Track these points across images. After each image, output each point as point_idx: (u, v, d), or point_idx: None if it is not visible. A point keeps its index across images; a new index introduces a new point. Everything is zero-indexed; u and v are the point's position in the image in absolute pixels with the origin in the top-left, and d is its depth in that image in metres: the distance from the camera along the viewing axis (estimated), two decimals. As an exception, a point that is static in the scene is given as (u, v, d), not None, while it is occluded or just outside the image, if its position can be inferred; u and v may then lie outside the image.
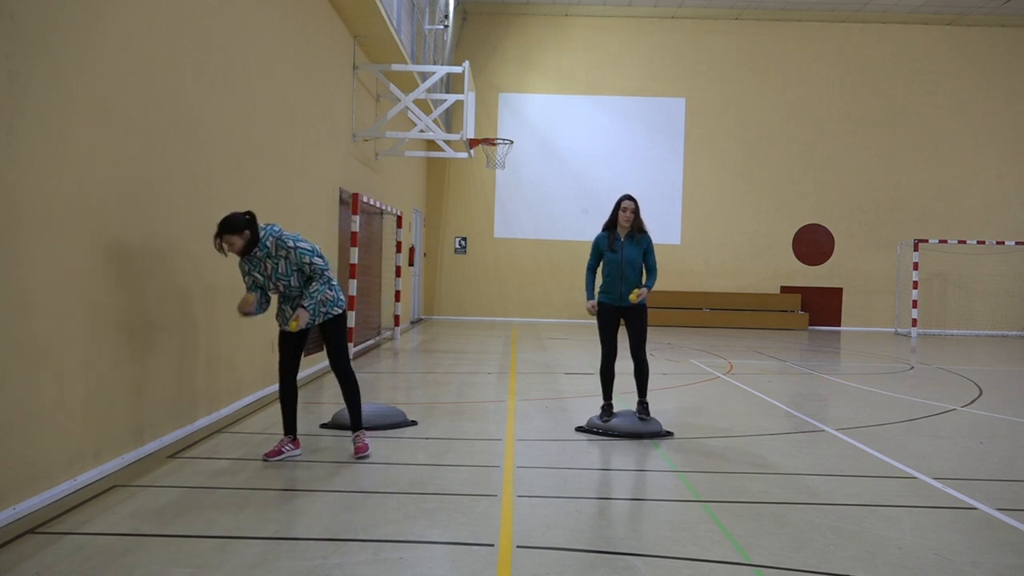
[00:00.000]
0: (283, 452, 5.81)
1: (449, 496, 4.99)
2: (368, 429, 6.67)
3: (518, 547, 4.10)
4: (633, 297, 6.88)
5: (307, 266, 5.64)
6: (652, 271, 7.05)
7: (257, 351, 8.21)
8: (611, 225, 7.08)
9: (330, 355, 5.95)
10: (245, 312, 5.72)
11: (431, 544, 4.17)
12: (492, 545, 4.12)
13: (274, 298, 5.99)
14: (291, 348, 5.88)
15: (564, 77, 22.24)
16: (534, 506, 4.82)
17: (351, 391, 5.99)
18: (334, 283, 5.83)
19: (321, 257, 5.73)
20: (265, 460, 5.73)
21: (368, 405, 6.99)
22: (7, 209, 4.18)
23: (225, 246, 5.53)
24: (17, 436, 4.32)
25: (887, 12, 21.26)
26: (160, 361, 5.97)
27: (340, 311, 5.87)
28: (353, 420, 6.02)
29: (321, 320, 5.78)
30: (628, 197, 7.03)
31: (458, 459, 6.02)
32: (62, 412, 4.73)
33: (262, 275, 5.69)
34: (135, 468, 5.41)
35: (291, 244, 5.62)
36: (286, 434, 5.91)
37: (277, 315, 5.91)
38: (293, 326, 5.59)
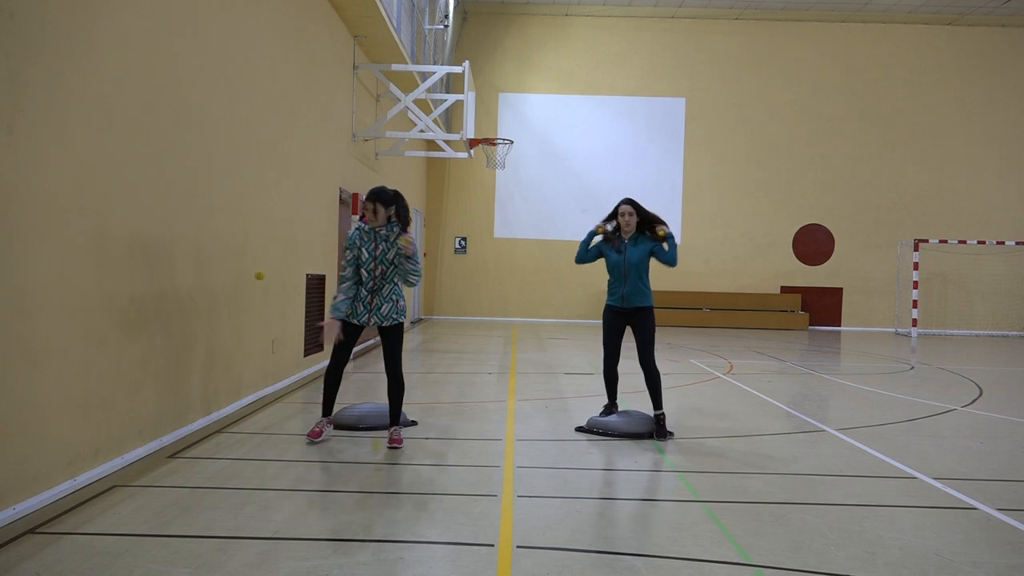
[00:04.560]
0: (323, 432, 6.30)
1: (449, 496, 4.99)
2: (368, 429, 6.74)
3: (518, 547, 4.10)
4: (661, 233, 6.78)
5: (408, 261, 6.13)
6: (669, 252, 6.85)
7: (257, 351, 8.21)
8: (615, 227, 6.95)
9: (387, 356, 6.36)
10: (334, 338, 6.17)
11: (431, 544, 4.17)
12: (492, 545, 4.12)
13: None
14: (346, 339, 6.30)
15: (564, 77, 22.24)
16: (534, 506, 4.82)
17: (399, 391, 6.38)
18: (403, 293, 6.41)
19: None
20: (310, 441, 6.22)
21: (368, 405, 7.03)
22: (7, 209, 4.18)
23: (369, 214, 6.05)
24: (17, 436, 4.32)
25: (887, 12, 21.26)
26: (160, 361, 5.97)
27: (403, 320, 6.37)
28: (393, 416, 6.43)
29: (389, 324, 6.24)
30: (625, 202, 6.90)
31: (458, 459, 6.02)
32: (62, 412, 4.73)
33: (369, 253, 6.12)
34: (135, 468, 5.41)
35: (411, 238, 6.14)
36: (324, 415, 6.43)
37: (352, 306, 6.29)
38: (404, 241, 6.06)
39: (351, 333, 6.33)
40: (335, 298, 6.21)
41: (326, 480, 5.42)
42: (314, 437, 6.24)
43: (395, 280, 6.22)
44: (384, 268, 6.14)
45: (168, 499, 4.81)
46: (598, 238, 7.11)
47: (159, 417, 6.00)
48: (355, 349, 12.22)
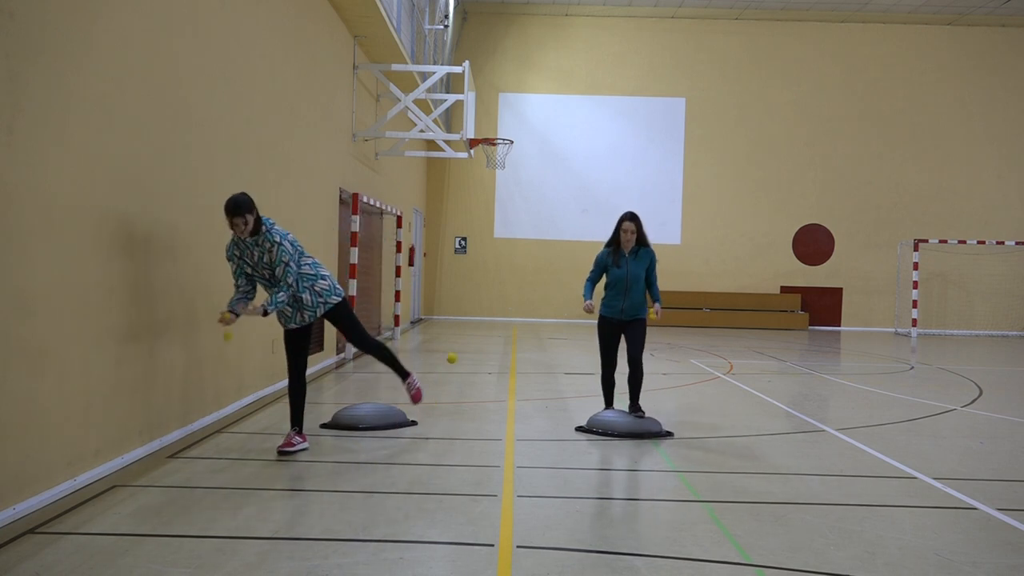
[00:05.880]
0: (294, 445, 5.97)
1: (449, 496, 4.99)
2: (368, 429, 6.72)
3: (518, 547, 4.10)
4: (652, 316, 7.08)
5: (280, 267, 5.73)
6: (653, 286, 7.17)
7: (257, 351, 8.21)
8: (614, 242, 7.14)
9: (347, 335, 6.26)
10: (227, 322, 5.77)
11: (431, 544, 4.17)
12: (492, 545, 4.12)
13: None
14: (293, 346, 6.12)
15: (564, 77, 22.23)
16: (534, 506, 4.82)
17: (382, 355, 6.42)
18: (325, 273, 6.07)
19: (297, 261, 5.86)
20: (279, 454, 5.87)
21: (368, 405, 7.02)
22: (7, 209, 4.18)
23: (239, 228, 5.64)
24: (17, 436, 4.32)
25: (887, 12, 21.25)
26: (160, 361, 5.97)
27: (338, 299, 6.09)
28: (397, 371, 6.51)
29: (322, 312, 6.04)
30: (628, 218, 7.05)
31: (458, 459, 6.02)
32: (62, 412, 4.73)
33: (249, 262, 5.83)
34: (135, 468, 5.41)
35: (276, 239, 5.75)
36: (293, 427, 6.09)
37: (279, 316, 6.07)
38: (226, 317, 5.68)
39: (296, 340, 6.08)
40: (233, 296, 5.91)
41: (326, 480, 5.41)
42: (286, 448, 5.88)
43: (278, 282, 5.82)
44: (270, 271, 5.81)
45: (168, 499, 4.81)
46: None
47: (159, 417, 6.00)
48: (354, 350, 12.29)
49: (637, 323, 7.11)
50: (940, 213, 22.11)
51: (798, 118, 22.23)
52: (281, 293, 5.74)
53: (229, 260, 5.89)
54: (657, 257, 7.21)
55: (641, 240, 7.08)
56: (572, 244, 21.85)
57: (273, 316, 6.25)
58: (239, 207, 5.58)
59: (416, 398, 6.50)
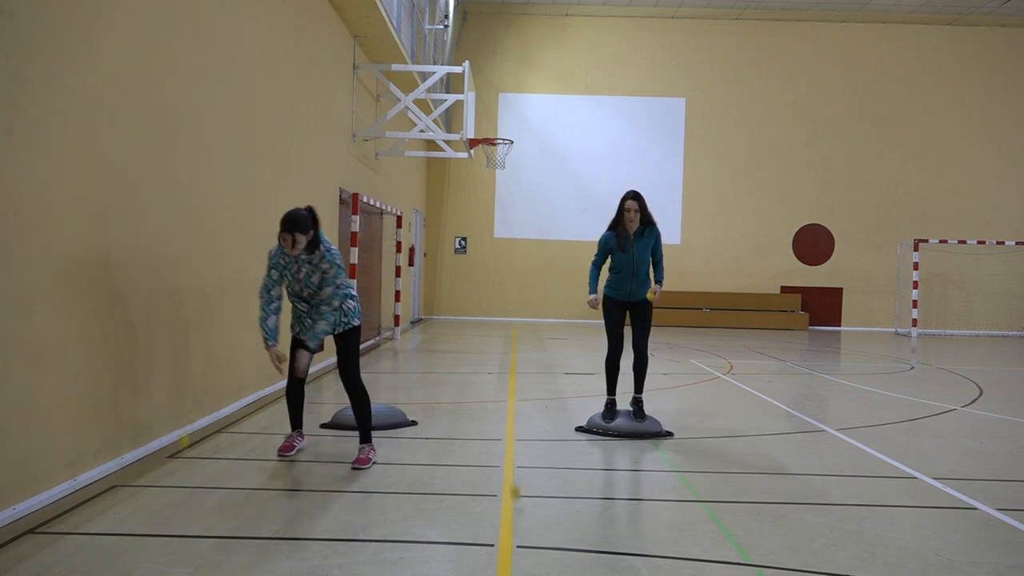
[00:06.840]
0: (295, 446, 5.97)
1: (449, 496, 4.99)
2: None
3: (518, 547, 4.10)
4: (650, 296, 6.87)
5: (330, 287, 5.58)
6: (658, 265, 6.99)
7: (257, 351, 8.19)
8: (617, 223, 6.93)
9: (340, 365, 5.88)
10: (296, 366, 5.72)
11: (431, 544, 4.17)
12: (492, 545, 4.12)
13: (288, 307, 5.95)
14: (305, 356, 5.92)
15: (564, 77, 22.23)
16: (534, 506, 4.82)
17: (358, 402, 5.83)
18: (353, 293, 5.87)
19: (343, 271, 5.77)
20: (280, 456, 5.85)
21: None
22: (7, 209, 4.18)
23: (288, 246, 5.45)
24: (17, 436, 4.32)
25: (887, 12, 21.25)
26: (160, 361, 5.97)
27: (357, 323, 5.87)
28: (359, 431, 5.86)
29: (341, 330, 5.80)
30: (631, 196, 6.84)
31: (458, 459, 6.02)
32: (62, 412, 4.73)
33: (293, 276, 5.66)
34: (135, 468, 5.41)
35: (337, 262, 5.60)
36: (293, 429, 6.08)
37: (293, 324, 5.90)
38: (283, 365, 5.68)
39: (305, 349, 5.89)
40: (265, 320, 5.66)
41: (326, 480, 5.41)
42: (286, 451, 5.87)
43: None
44: (311, 290, 5.66)
45: (168, 499, 4.81)
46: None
47: (159, 417, 6.00)
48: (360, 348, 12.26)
49: (644, 306, 6.99)
50: (940, 213, 22.12)
51: (798, 118, 22.23)
52: (323, 322, 5.59)
53: (272, 268, 5.66)
54: (660, 236, 7.01)
55: (646, 219, 6.87)
56: (572, 244, 21.84)
57: (284, 318, 6.15)
58: (294, 223, 5.38)
59: (360, 463, 5.65)
